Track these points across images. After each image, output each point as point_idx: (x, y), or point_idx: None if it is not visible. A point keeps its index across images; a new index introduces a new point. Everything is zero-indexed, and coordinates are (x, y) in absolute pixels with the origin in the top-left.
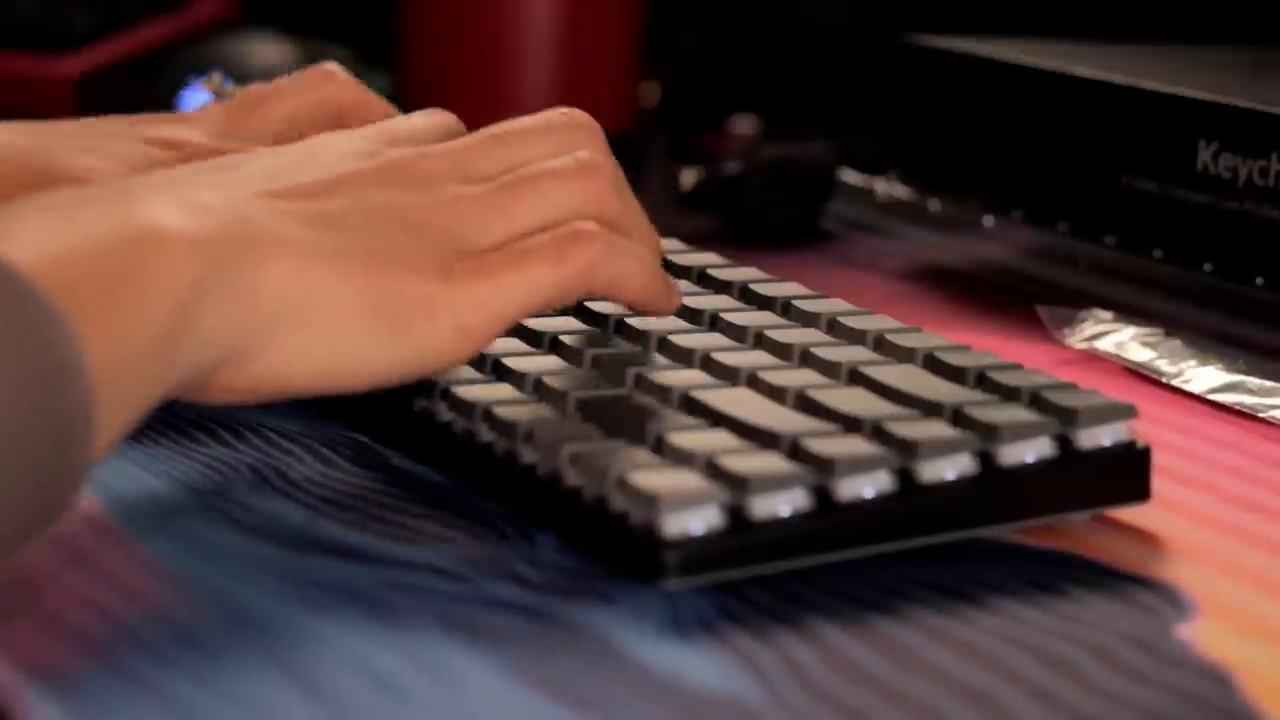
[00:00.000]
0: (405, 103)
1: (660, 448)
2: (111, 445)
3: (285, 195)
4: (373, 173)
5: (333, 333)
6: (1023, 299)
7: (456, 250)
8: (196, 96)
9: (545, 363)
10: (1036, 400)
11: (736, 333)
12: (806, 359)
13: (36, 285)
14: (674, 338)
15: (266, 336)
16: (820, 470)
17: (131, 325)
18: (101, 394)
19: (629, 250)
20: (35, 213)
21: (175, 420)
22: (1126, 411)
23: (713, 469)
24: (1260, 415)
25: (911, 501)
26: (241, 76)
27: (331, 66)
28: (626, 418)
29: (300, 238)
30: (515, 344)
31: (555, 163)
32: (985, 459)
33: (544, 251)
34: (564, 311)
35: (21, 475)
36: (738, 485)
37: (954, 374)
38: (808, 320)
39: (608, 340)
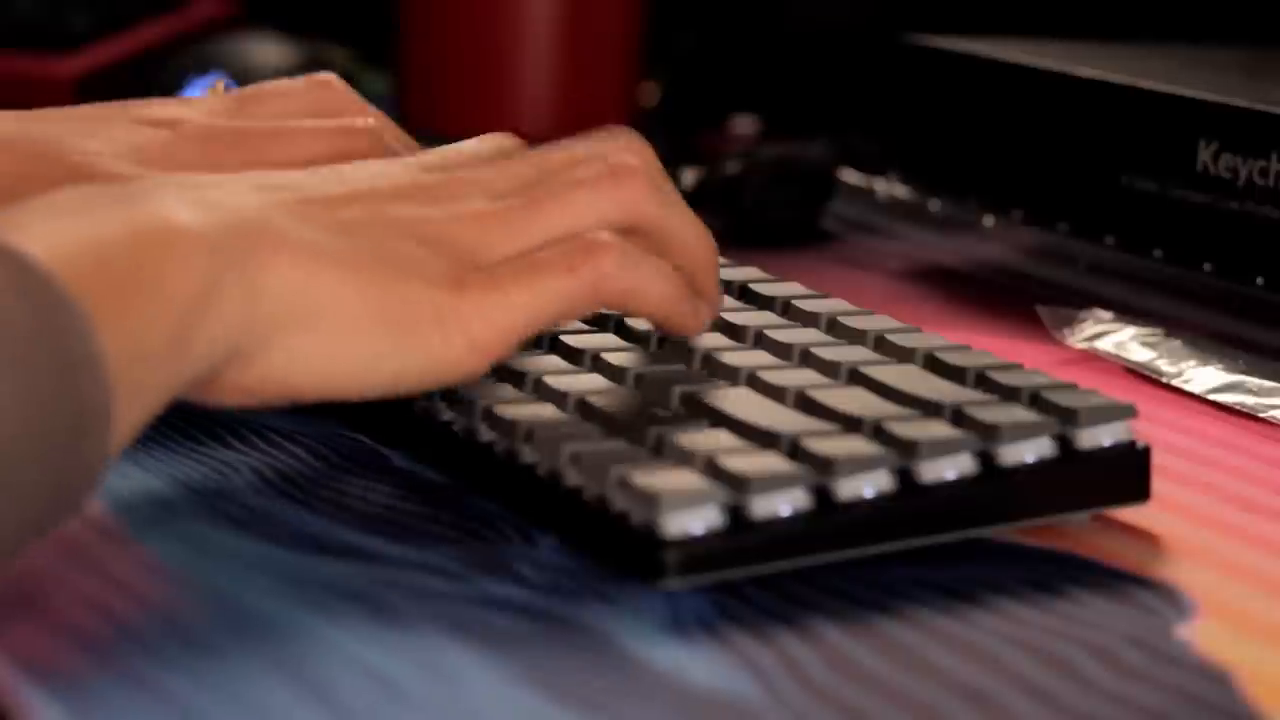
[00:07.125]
0: (405, 103)
1: (660, 448)
2: (128, 439)
3: (302, 201)
4: (398, 188)
5: (336, 337)
6: (1023, 299)
7: (471, 263)
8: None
9: (545, 362)
10: (1036, 400)
11: (737, 333)
12: (806, 359)
13: (54, 277)
14: (674, 338)
15: (269, 336)
16: (820, 470)
17: (147, 320)
18: (119, 387)
19: (646, 262)
20: (46, 211)
21: (176, 421)
22: (1126, 411)
23: (712, 469)
24: (1260, 415)
25: (911, 501)
26: (241, 77)
27: (330, 76)
28: (626, 418)
29: (311, 240)
30: None
31: (584, 172)
32: (985, 459)
33: (555, 263)
34: None
35: (40, 466)
36: (738, 485)
37: (954, 374)
38: (808, 320)
39: (607, 340)
